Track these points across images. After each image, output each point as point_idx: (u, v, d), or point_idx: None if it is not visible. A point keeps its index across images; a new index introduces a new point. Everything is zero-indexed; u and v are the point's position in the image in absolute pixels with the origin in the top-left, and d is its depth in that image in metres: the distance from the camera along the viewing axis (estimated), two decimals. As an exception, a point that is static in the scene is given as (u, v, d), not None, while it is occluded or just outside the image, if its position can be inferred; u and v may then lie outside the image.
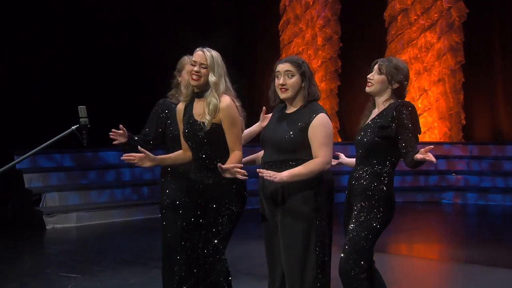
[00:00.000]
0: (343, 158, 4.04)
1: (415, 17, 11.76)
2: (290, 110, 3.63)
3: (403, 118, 3.53)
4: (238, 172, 3.41)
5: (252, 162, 3.84)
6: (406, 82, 3.67)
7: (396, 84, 3.64)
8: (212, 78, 3.62)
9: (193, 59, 3.67)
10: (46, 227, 8.18)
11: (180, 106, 3.81)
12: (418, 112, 12.26)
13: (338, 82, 12.37)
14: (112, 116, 9.89)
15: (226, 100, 3.62)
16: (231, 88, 3.70)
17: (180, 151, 3.87)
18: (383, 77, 3.65)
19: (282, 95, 3.60)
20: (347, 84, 12.01)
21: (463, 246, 7.19)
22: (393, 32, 11.90)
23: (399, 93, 3.67)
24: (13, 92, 9.38)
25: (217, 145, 3.65)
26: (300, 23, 12.49)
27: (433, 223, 9.13)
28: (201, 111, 3.65)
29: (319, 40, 12.36)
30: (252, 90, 11.78)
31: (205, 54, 3.65)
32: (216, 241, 3.61)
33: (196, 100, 3.73)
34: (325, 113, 3.55)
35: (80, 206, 8.74)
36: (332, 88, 12.40)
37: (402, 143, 3.51)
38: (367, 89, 3.69)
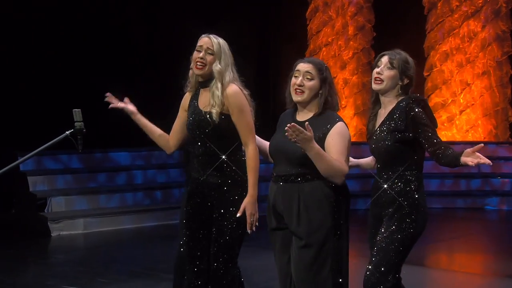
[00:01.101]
0: (357, 161, 3.93)
1: (457, 4, 11.65)
2: (302, 117, 3.58)
3: (417, 116, 3.47)
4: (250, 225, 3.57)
5: (263, 153, 3.75)
6: (414, 76, 3.62)
7: (407, 79, 3.59)
8: (217, 66, 3.60)
9: (198, 44, 3.65)
10: (51, 234, 8.20)
11: (187, 95, 3.80)
12: (460, 108, 12.13)
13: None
14: (122, 115, 10.04)
15: (233, 87, 3.60)
16: (238, 79, 3.66)
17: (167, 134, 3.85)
18: (394, 72, 3.57)
19: (296, 97, 3.54)
20: (381, 77, 11.83)
21: (509, 259, 7.05)
22: (432, 20, 11.83)
23: (407, 89, 3.61)
24: (17, 91, 9.42)
25: (223, 139, 3.61)
26: (329, 11, 12.41)
27: (476, 232, 8.98)
28: (206, 101, 3.64)
29: (351, 30, 12.29)
30: (276, 89, 11.68)
31: (211, 40, 3.63)
32: (226, 250, 3.59)
33: (201, 90, 3.71)
34: (343, 122, 3.50)
35: (88, 211, 8.75)
36: (365, 82, 12.28)
37: (426, 144, 3.46)
38: (376, 86, 3.60)
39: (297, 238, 3.49)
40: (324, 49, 12.41)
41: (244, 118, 3.58)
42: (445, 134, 11.51)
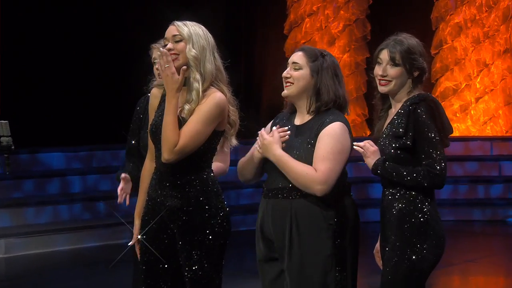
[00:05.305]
0: None
1: (473, -36, 11.69)
2: (300, 119, 3.65)
3: (421, 121, 3.52)
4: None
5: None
6: (425, 63, 3.68)
7: (417, 71, 3.66)
8: (191, 51, 3.61)
9: (165, 36, 3.69)
10: (-37, 260, 8.17)
11: (156, 92, 3.82)
12: (477, 95, 12.20)
13: (367, 53, 12.22)
14: (54, 107, 10.03)
15: (218, 94, 3.60)
16: (222, 69, 3.68)
17: (145, 167, 3.85)
18: (400, 69, 3.64)
19: (284, 91, 3.65)
20: (379, 56, 11.86)
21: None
22: (442, -16, 11.86)
23: (420, 79, 3.69)
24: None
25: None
26: (314, -27, 12.38)
27: (497, 251, 9.05)
28: (181, 101, 3.62)
29: (341, -4, 12.28)
30: (250, 77, 11.56)
31: (177, 27, 3.65)
32: (205, 284, 3.59)
33: None
34: (343, 122, 3.53)
35: (11, 229, 8.69)
36: (359, 61, 12.32)
37: (422, 156, 3.52)
38: (384, 88, 3.67)
39: (289, 270, 3.52)
40: (307, 20, 12.36)
41: (198, 123, 3.54)
42: (457, 126, 11.54)
